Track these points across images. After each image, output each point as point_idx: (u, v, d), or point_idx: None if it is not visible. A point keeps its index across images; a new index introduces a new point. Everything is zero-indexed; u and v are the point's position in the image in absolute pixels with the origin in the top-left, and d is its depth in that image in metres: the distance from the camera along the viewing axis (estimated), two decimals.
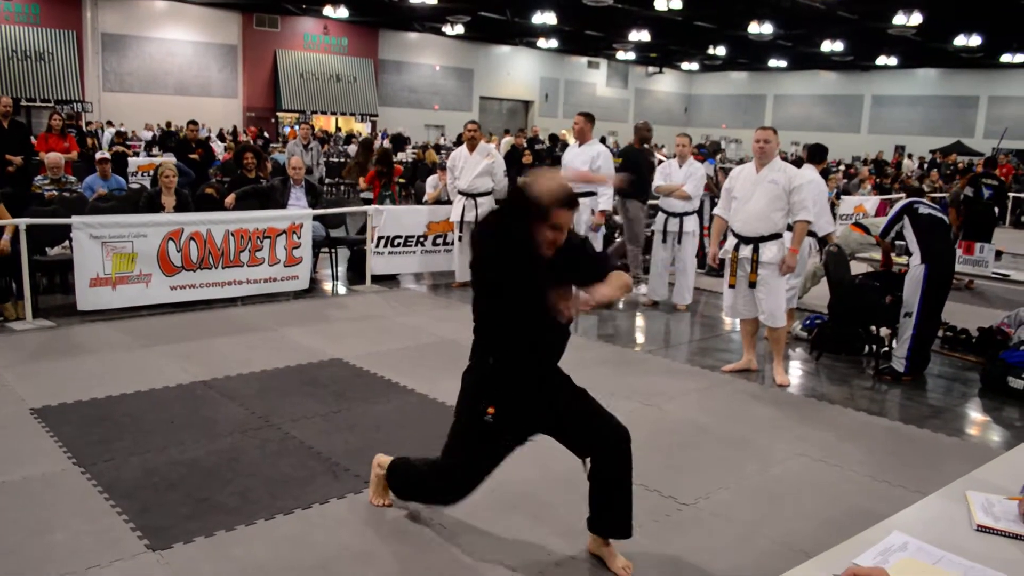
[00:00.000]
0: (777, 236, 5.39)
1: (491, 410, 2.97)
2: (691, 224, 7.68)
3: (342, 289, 8.18)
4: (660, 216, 7.76)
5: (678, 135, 7.99)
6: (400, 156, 18.74)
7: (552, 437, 3.11)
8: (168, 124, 22.80)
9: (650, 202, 8.58)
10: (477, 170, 7.88)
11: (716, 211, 5.77)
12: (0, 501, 3.47)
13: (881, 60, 31.47)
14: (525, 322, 2.91)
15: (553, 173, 2.96)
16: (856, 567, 1.47)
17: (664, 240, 7.72)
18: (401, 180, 15.00)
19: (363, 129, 31.45)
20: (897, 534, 1.89)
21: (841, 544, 1.84)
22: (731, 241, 5.56)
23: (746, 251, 5.45)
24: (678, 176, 7.56)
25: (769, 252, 5.38)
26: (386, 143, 20.93)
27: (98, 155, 8.73)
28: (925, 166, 23.87)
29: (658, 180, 7.71)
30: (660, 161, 9.75)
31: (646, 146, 9.15)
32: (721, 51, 32.26)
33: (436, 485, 3.20)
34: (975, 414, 5.34)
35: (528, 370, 3.01)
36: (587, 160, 7.50)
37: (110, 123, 23.42)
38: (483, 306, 3.01)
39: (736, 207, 5.46)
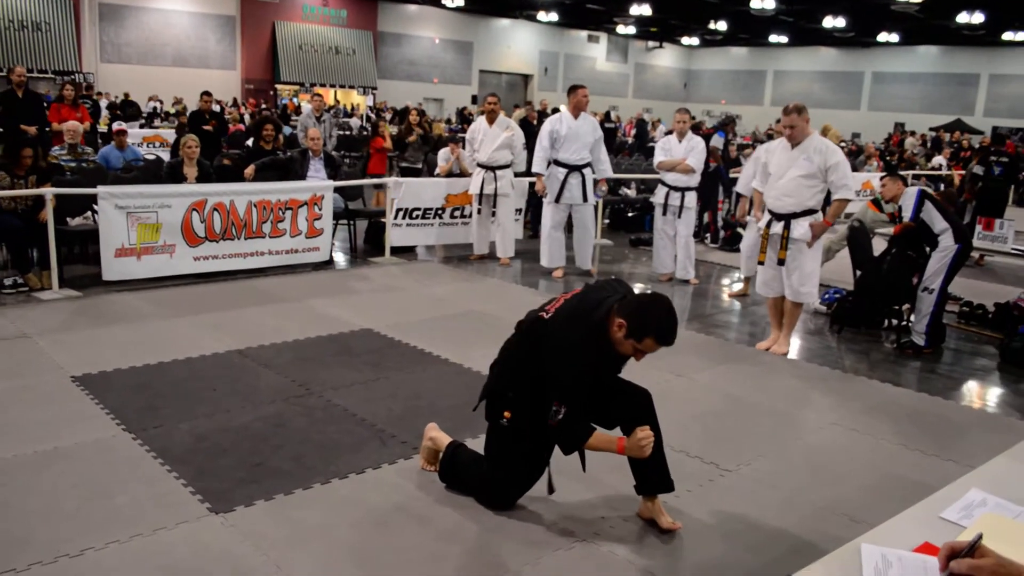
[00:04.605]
0: (810, 212, 5.43)
1: (507, 414, 3.14)
2: (692, 199, 7.73)
3: (361, 261, 8.22)
4: (661, 189, 7.79)
5: (677, 111, 8.00)
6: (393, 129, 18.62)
7: None
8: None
9: (653, 176, 8.55)
10: (497, 143, 7.91)
11: (754, 184, 5.85)
12: (57, 466, 3.53)
13: (882, 36, 31.41)
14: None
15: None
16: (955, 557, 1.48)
17: (664, 213, 7.76)
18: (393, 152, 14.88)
19: (363, 102, 31.31)
20: (975, 491, 1.97)
21: (925, 500, 1.91)
22: (764, 217, 5.61)
23: (777, 228, 5.50)
24: (679, 151, 7.59)
25: (800, 229, 5.41)
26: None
27: (115, 126, 8.71)
28: (928, 143, 23.89)
29: (659, 156, 7.75)
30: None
31: None
32: (722, 26, 32.11)
33: (484, 492, 3.32)
34: (996, 386, 5.44)
35: None
36: (590, 130, 7.65)
37: (100, 94, 23.20)
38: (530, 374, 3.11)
39: (769, 182, 5.50)
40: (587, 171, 7.59)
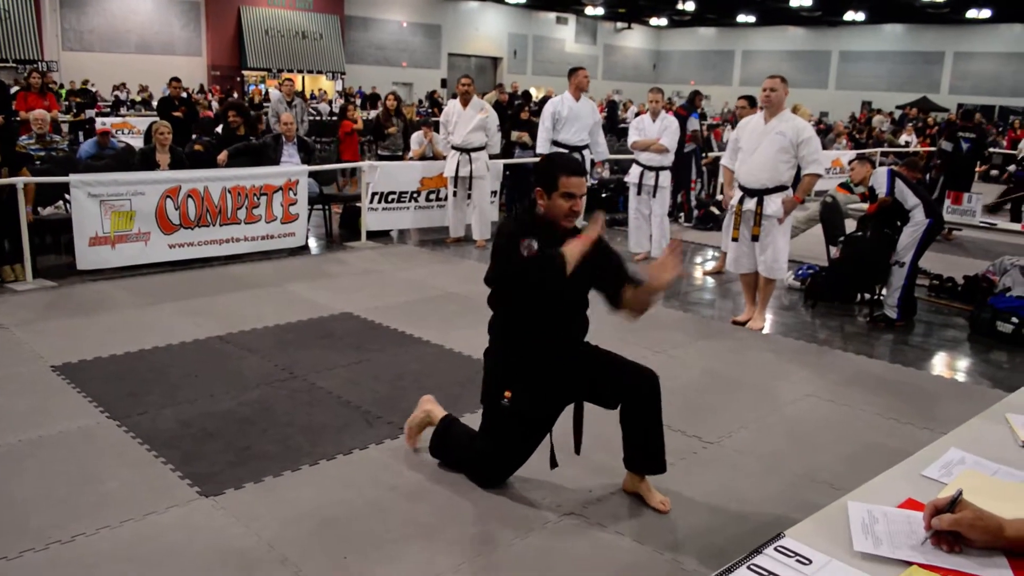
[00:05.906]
0: (782, 188, 5.49)
1: (507, 394, 3.14)
2: (666, 179, 7.78)
3: (337, 246, 8.19)
4: (635, 169, 7.82)
5: (650, 90, 8.01)
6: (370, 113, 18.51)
7: (583, 401, 3.26)
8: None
9: (626, 156, 8.66)
10: (471, 125, 7.91)
11: (723, 161, 5.89)
12: (42, 454, 3.52)
13: (849, 15, 31.69)
14: (543, 322, 3.12)
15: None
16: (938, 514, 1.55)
17: (639, 193, 7.81)
18: (366, 137, 14.77)
19: (331, 87, 31.02)
20: (954, 450, 2.04)
21: (907, 459, 1.98)
22: (736, 194, 5.67)
23: (750, 204, 5.56)
24: (652, 131, 7.64)
25: (773, 205, 5.48)
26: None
27: (98, 127, 8.65)
28: (896, 120, 24.16)
29: (633, 136, 7.79)
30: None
31: None
32: (690, 6, 32.21)
33: (474, 469, 3.35)
34: (967, 356, 5.57)
35: (544, 357, 3.15)
36: (590, 112, 7.85)
37: (53, 83, 22.75)
38: (501, 306, 3.20)
39: (742, 158, 5.55)
40: (586, 152, 7.73)
